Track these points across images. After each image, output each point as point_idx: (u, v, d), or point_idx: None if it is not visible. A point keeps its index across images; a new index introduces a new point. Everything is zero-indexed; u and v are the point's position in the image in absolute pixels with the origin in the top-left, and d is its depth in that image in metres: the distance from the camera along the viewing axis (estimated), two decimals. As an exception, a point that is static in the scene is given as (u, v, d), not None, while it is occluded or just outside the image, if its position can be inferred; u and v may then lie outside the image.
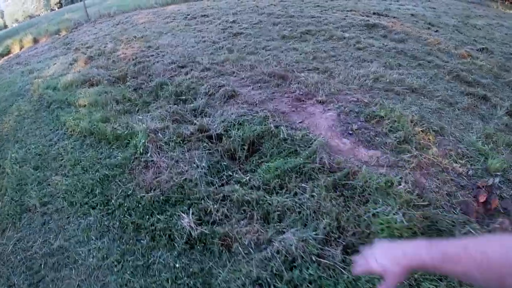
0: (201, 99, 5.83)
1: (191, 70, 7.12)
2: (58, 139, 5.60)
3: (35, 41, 16.96)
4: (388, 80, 6.57)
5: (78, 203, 4.10)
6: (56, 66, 10.09)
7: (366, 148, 4.34)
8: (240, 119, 5.09)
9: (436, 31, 11.25)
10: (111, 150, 4.88)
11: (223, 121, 5.07)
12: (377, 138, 4.45)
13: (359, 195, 3.20)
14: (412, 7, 15.30)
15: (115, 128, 5.04)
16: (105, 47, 10.42)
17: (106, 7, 20.77)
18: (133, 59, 8.53)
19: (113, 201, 3.94)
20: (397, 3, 16.21)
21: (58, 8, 45.14)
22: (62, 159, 5.00)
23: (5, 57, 16.39)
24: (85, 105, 6.36)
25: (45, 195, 4.39)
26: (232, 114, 5.24)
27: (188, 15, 13.47)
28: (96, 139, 5.21)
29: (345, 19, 11.60)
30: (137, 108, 6.15)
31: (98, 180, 4.29)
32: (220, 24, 11.12)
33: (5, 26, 47.34)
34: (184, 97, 6.07)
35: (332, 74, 7.12)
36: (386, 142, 4.14)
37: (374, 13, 13.00)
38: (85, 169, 4.58)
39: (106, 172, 4.36)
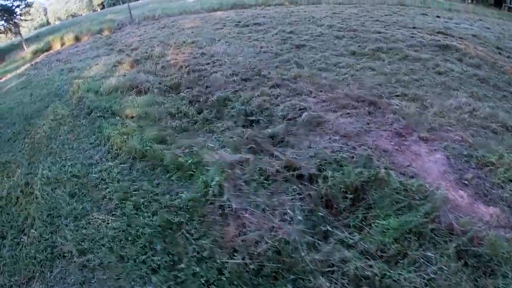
0: (279, 123, 4.63)
1: (258, 85, 5.93)
2: (101, 158, 4.45)
3: (77, 39, 16.26)
4: (482, 115, 5.57)
5: (132, 259, 2.88)
6: (98, 67, 9.09)
7: (485, 204, 3.63)
8: (336, 156, 3.85)
9: (508, 56, 10.07)
10: (170, 182, 3.67)
11: (313, 156, 3.86)
12: (493, 191, 3.74)
13: (485, 265, 2.72)
14: (469, 26, 13.89)
15: (176, 155, 3.81)
16: (152, 50, 9.38)
17: (149, 10, 20.04)
18: (185, 66, 7.43)
19: (182, 264, 2.69)
20: (452, 21, 14.83)
21: (101, 9, 45.53)
22: (106, 188, 3.82)
23: (45, 53, 15.74)
24: (133, 117, 5.23)
25: (84, 239, 3.20)
26: (324, 148, 4.00)
27: (239, 22, 12.38)
28: (150, 164, 4.03)
29: (413, 37, 10.33)
30: (196, 126, 4.95)
31: (158, 227, 3.05)
32: (277, 34, 9.97)
33: (48, 23, 48.06)
34: (255, 118, 4.84)
35: (424, 103, 5.97)
36: (503, 196, 3.59)
37: (438, 32, 11.69)
38: (137, 207, 3.37)
39: (168, 217, 3.13)
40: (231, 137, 4.21)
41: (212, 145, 4.01)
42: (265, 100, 5.31)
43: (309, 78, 6.36)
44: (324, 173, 3.63)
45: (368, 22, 12.47)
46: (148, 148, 4.21)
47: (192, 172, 3.68)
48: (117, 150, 4.48)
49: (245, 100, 5.41)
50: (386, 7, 18.17)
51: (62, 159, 4.69)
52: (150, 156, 4.11)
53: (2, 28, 25.78)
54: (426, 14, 16.53)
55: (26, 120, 6.68)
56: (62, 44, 16.36)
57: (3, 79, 13.28)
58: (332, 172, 3.66)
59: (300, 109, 5.19)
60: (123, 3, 34.68)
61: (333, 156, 3.88)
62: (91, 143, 4.91)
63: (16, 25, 26.15)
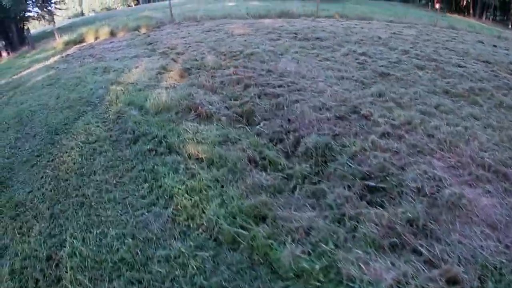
0: (414, 200, 2.91)
1: (362, 129, 4.21)
2: (161, 231, 2.72)
3: (112, 34, 14.74)
4: None
5: None
6: (140, 72, 7.42)
7: None
8: (494, 259, 2.08)
9: None
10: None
11: (467, 259, 2.16)
12: None
13: None
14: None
15: (295, 254, 2.07)
16: (202, 58, 7.70)
17: (187, 10, 18.46)
18: (252, 85, 5.76)
19: None
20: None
21: (135, 5, 44.45)
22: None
23: (78, 45, 14.23)
24: (199, 158, 3.44)
25: None
26: (480, 247, 2.29)
27: (296, 34, 10.66)
28: (245, 257, 2.24)
29: (496, 76, 8.55)
30: (292, 185, 3.19)
31: None
32: (348, 54, 8.23)
33: (82, 14, 47.24)
34: (376, 185, 3.09)
35: None
36: None
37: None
38: None
39: None
40: (363, 221, 2.40)
41: (351, 247, 2.20)
42: (385, 159, 3.50)
43: (421, 126, 4.56)
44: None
45: (440, 49, 10.61)
46: (241, 230, 2.41)
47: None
48: (187, 220, 2.71)
49: (355, 153, 3.60)
50: (439, 29, 16.11)
51: (101, 221, 2.98)
52: (247, 247, 2.33)
53: (36, 15, 24.54)
54: (482, 42, 14.53)
55: (50, 135, 5.01)
56: (96, 38, 14.87)
57: (31, 69, 11.75)
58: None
59: (434, 179, 3.41)
60: (159, 0, 33.38)
61: (491, 259, 2.13)
62: (142, 197, 3.19)
63: (50, 13, 24.92)
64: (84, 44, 14.49)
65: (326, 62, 7.48)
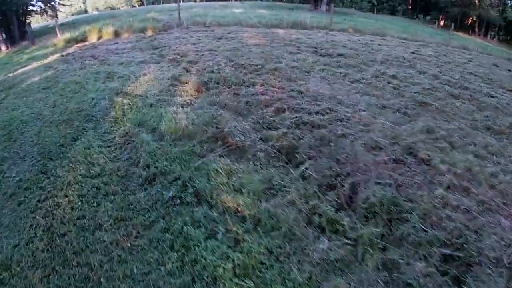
0: (493, 272, 1.98)
1: (425, 178, 3.34)
2: None
3: (116, 34, 13.73)
4: None
5: None
6: (149, 81, 6.46)
7: None
8: None
9: None
10: None
11: None
12: None
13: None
14: None
15: None
16: (219, 70, 6.78)
17: (195, 15, 17.51)
18: (286, 110, 4.87)
19: None
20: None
21: (139, 5, 43.39)
22: None
23: (79, 44, 13.19)
24: (243, 216, 2.48)
25: None
26: None
27: (315, 48, 9.80)
28: None
29: None
30: (360, 253, 2.28)
31: None
32: (378, 77, 7.44)
33: (86, 12, 46.04)
34: (452, 254, 2.23)
35: None
36: None
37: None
38: None
39: None
40: None
41: None
42: (460, 221, 2.60)
43: (481, 174, 3.68)
44: None
45: (466, 75, 9.84)
46: None
47: None
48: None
49: (425, 213, 2.70)
50: (453, 49, 15.29)
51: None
52: None
53: (39, 9, 23.39)
54: (497, 66, 13.80)
55: (42, 159, 4.04)
56: (99, 38, 13.85)
57: (28, 67, 10.68)
58: None
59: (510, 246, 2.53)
60: (163, 2, 32.42)
61: None
62: (171, 274, 2.21)
63: (53, 8, 23.83)
64: (86, 43, 13.46)
65: (358, 85, 6.60)
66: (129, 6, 45.35)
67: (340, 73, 7.68)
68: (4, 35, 20.15)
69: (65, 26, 21.10)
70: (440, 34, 22.69)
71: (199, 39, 10.92)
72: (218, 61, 7.63)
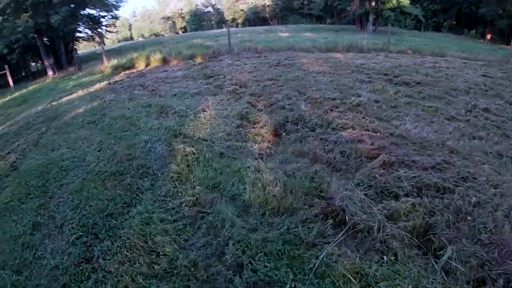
0: None
1: None
2: None
3: (164, 61, 12.96)
4: None
5: None
6: (211, 119, 5.28)
7: None
8: None
9: None
10: None
11: None
12: None
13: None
14: None
15: None
16: (291, 105, 5.54)
17: (242, 40, 16.58)
18: (396, 164, 3.50)
19: None
20: None
21: (183, 32, 44.01)
22: None
23: (127, 71, 12.48)
24: None
25: None
26: None
27: (387, 75, 8.43)
28: None
29: None
30: None
31: None
32: (472, 111, 6.00)
33: (131, 38, 47.34)
34: None
35: None
36: None
37: None
38: None
39: None
40: None
41: None
42: None
43: None
44: None
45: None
46: None
47: None
48: None
49: None
50: None
51: None
52: None
53: (86, 35, 23.68)
54: None
55: (86, 235, 2.88)
56: (147, 65, 13.15)
57: (73, 95, 9.95)
58: None
59: None
60: (207, 29, 32.37)
61: None
62: None
63: (100, 35, 24.06)
64: (134, 70, 12.76)
65: (457, 124, 5.19)
66: (173, 33, 46.18)
67: (429, 107, 6.21)
68: (51, 60, 20.29)
69: (111, 53, 21.02)
70: (494, 50, 20.55)
71: (255, 67, 9.78)
72: (286, 94, 6.34)
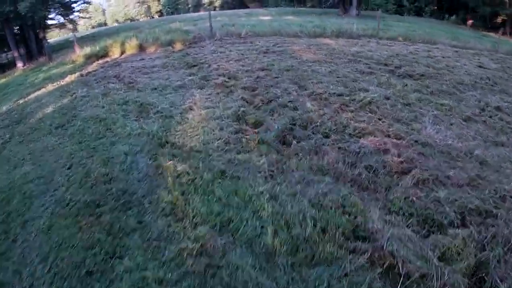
0: None
1: None
2: None
3: (141, 48, 11.71)
4: None
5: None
6: (201, 121, 4.44)
7: None
8: None
9: None
10: None
11: None
12: None
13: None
14: None
15: None
16: (294, 103, 4.74)
17: (223, 25, 15.39)
18: (430, 181, 2.82)
19: None
20: None
21: (159, 16, 41.75)
22: None
23: (100, 61, 11.21)
24: None
25: None
26: None
27: (387, 65, 7.81)
28: None
29: None
30: None
31: None
32: (485, 110, 5.49)
33: (105, 24, 44.67)
34: None
35: None
36: None
37: None
38: None
39: None
40: None
41: None
42: None
43: None
44: None
45: None
46: None
47: None
48: None
49: None
50: (509, 58, 12.70)
51: None
52: None
53: (57, 23, 21.73)
54: None
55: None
56: (122, 52, 11.85)
57: (42, 90, 8.75)
58: None
59: None
60: (183, 12, 30.64)
61: None
62: None
63: (72, 22, 22.15)
64: (108, 59, 11.48)
65: (476, 126, 4.63)
66: (148, 17, 43.78)
67: (442, 105, 5.59)
68: (21, 51, 18.49)
69: (85, 40, 19.33)
70: (479, 37, 20.20)
71: (242, 54, 8.81)
72: (285, 88, 5.49)
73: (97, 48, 12.73)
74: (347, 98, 5.03)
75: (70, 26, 23.65)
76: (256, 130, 4.04)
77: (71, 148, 4.36)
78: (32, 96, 8.51)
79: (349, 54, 8.65)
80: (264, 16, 20.88)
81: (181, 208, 2.71)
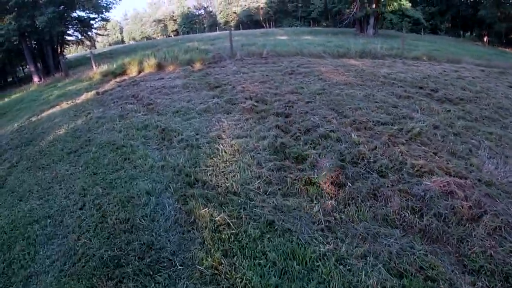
0: None
1: None
2: None
3: (159, 67, 11.31)
4: None
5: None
6: (234, 153, 3.86)
7: None
8: None
9: None
10: None
11: None
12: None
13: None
14: None
15: None
16: (337, 133, 4.09)
17: (242, 44, 15.02)
18: (501, 228, 1.93)
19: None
20: None
21: (174, 35, 42.10)
22: None
23: (117, 79, 10.82)
24: None
25: None
26: None
27: (422, 88, 7.34)
28: None
29: None
30: None
31: None
32: None
33: (122, 42, 45.22)
34: None
35: None
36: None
37: None
38: None
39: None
40: None
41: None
42: None
43: None
44: None
45: None
46: None
47: None
48: None
49: None
50: None
51: None
52: None
53: (75, 39, 21.77)
54: None
55: None
56: (140, 71, 11.46)
57: (56, 108, 8.32)
58: None
59: None
60: (198, 32, 30.71)
61: None
62: None
63: (90, 38, 22.16)
64: (126, 78, 11.08)
65: None
66: (164, 36, 44.18)
67: (490, 133, 4.93)
68: (38, 66, 18.39)
69: (101, 57, 19.21)
70: (498, 54, 19.56)
71: (267, 75, 8.27)
72: (323, 116, 4.87)
73: (114, 65, 12.42)
74: (394, 128, 4.40)
75: (87, 42, 23.70)
76: (300, 167, 3.37)
77: (84, 182, 3.75)
78: (45, 114, 8.06)
79: (379, 76, 8.06)
80: (281, 36, 20.60)
81: (226, 275, 2.04)
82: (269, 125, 4.74)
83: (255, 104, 5.82)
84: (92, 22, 21.11)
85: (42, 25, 15.32)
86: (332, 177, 3.10)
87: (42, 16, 15.41)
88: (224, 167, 3.53)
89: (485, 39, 27.99)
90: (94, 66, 12.83)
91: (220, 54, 11.95)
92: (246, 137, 4.38)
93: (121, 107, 6.93)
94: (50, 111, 8.18)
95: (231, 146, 4.04)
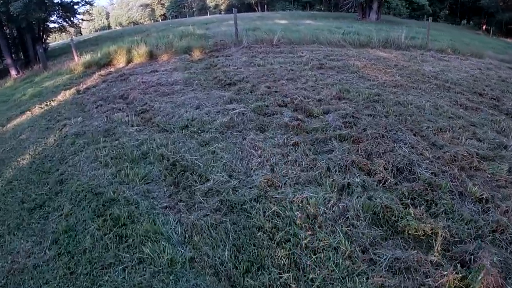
0: None
1: None
2: None
3: (151, 56, 9.22)
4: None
5: None
6: (310, 231, 1.82)
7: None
8: None
9: None
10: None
11: None
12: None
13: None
14: None
15: None
16: (448, 184, 2.03)
17: (243, 28, 12.85)
18: None
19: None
20: None
21: (162, 20, 38.97)
22: None
23: (102, 71, 8.73)
24: None
25: None
26: None
27: (481, 95, 5.70)
28: None
29: None
30: None
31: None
32: None
33: (109, 27, 41.86)
34: None
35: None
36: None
37: None
38: None
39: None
40: None
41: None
42: None
43: None
44: None
45: None
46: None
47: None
48: None
49: None
50: None
51: None
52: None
53: (58, 26, 19.02)
54: None
55: None
56: (129, 61, 9.33)
57: (27, 115, 6.32)
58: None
59: None
60: (188, 16, 28.06)
61: None
62: None
63: (74, 25, 19.46)
64: (112, 69, 8.99)
65: None
66: (152, 21, 40.96)
67: None
68: (18, 57, 15.82)
69: (86, 44, 16.76)
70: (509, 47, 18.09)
71: (291, 70, 6.43)
72: (409, 143, 3.02)
73: (99, 55, 10.21)
74: (504, 167, 2.61)
75: (72, 29, 20.93)
76: (438, 259, 1.58)
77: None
78: (12, 124, 6.05)
79: (428, 76, 6.37)
80: (279, 20, 18.45)
81: None
82: (338, 159, 2.90)
83: (300, 117, 3.95)
84: (75, 7, 18.37)
85: (17, 12, 12.79)
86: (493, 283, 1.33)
87: (17, 2, 12.86)
88: (312, 264, 1.69)
89: (483, 27, 26.69)
90: (75, 56, 10.58)
91: (223, 41, 9.86)
92: (312, 182, 2.55)
93: (106, 116, 5.00)
94: (18, 119, 6.16)
95: (301, 209, 2.20)
